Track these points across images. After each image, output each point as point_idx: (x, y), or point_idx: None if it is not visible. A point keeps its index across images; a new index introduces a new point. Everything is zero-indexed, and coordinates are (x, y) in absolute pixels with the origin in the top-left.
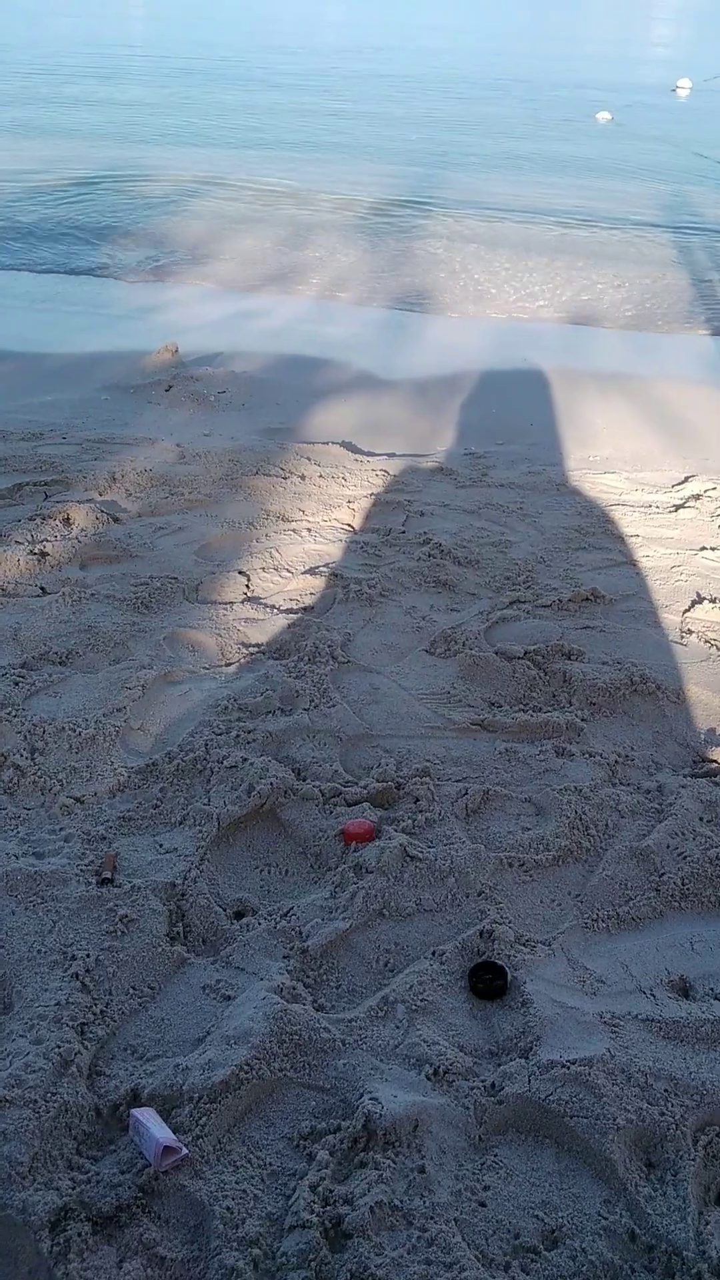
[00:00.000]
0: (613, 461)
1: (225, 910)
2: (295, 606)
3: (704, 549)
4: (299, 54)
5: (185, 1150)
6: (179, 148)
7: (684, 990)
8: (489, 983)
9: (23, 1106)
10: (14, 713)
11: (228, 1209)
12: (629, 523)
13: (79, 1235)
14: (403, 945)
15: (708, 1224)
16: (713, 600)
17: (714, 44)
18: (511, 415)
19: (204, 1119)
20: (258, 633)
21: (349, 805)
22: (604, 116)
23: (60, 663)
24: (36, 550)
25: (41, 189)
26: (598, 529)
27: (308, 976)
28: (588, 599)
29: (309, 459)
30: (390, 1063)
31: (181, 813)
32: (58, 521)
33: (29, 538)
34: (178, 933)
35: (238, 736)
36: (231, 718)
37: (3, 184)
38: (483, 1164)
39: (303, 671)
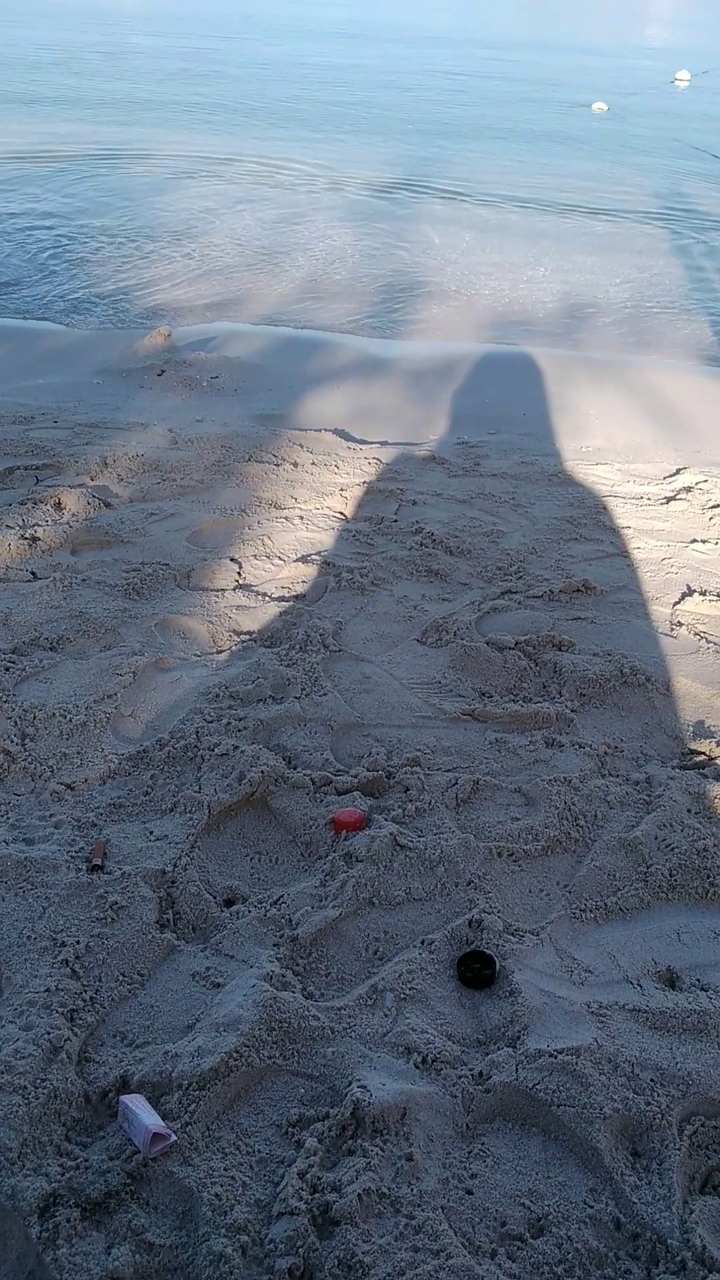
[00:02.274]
0: (605, 452)
1: (215, 898)
2: (287, 594)
3: (694, 542)
4: (295, 42)
5: (174, 1137)
6: (173, 128)
7: (670, 981)
8: (477, 972)
9: (12, 1093)
10: (4, 698)
11: (216, 1195)
12: (620, 514)
13: (68, 1221)
14: (392, 934)
15: (692, 1212)
16: (703, 593)
17: (715, 36)
18: (504, 404)
19: (193, 1106)
20: (249, 620)
21: (339, 794)
22: (599, 107)
23: (51, 648)
24: (27, 535)
25: (33, 166)
26: (589, 520)
27: (297, 964)
28: (579, 590)
29: (301, 446)
30: (379, 1051)
31: (172, 800)
32: (49, 506)
33: (20, 522)
34: (168, 920)
35: (229, 724)
36: (223, 705)
37: None
38: (470, 1152)
39: (294, 660)
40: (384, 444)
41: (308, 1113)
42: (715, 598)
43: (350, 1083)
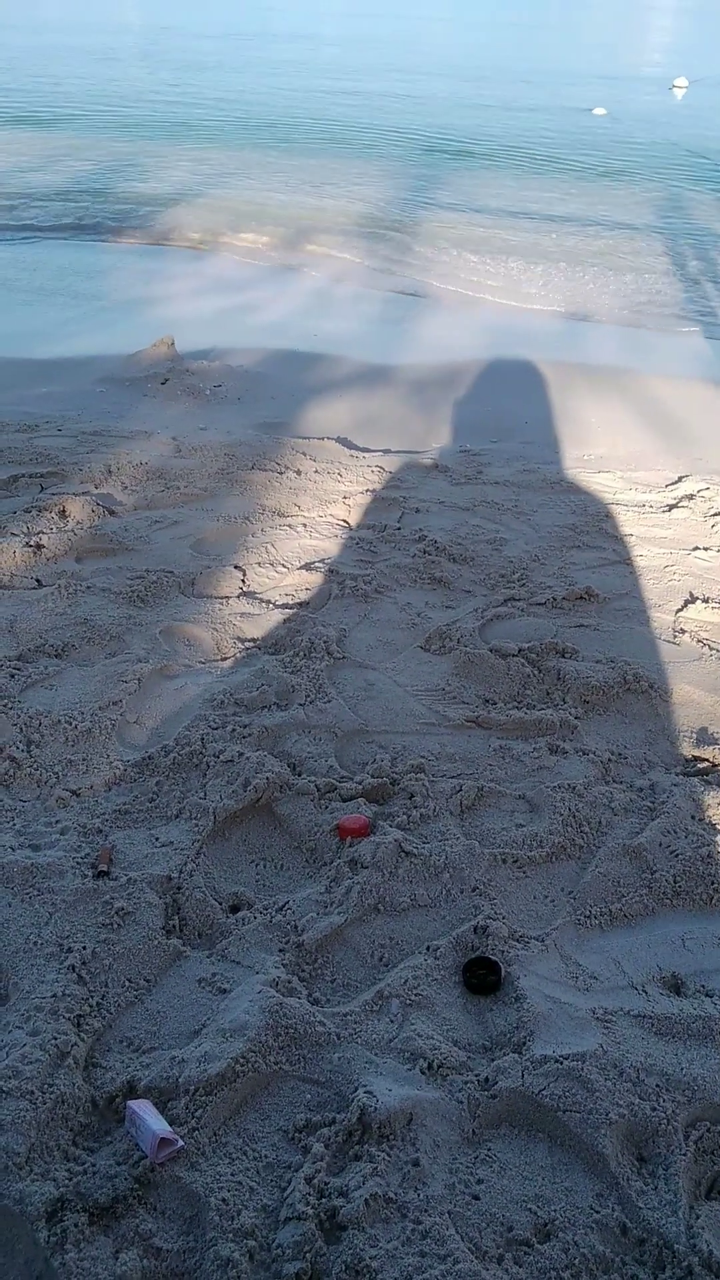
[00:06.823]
0: (607, 460)
1: (221, 904)
2: (291, 602)
3: (697, 549)
4: (297, 45)
5: (181, 1142)
6: (177, 141)
7: (675, 987)
8: (483, 978)
9: (19, 1098)
10: (10, 705)
11: (223, 1200)
12: (623, 522)
13: (75, 1226)
14: (397, 940)
15: (698, 1217)
16: (705, 600)
17: (713, 42)
18: (506, 413)
19: (200, 1111)
20: (253, 627)
21: (344, 800)
22: (599, 112)
23: (56, 655)
24: (32, 543)
25: (40, 183)
26: (592, 528)
27: (303, 970)
28: (582, 597)
29: (305, 454)
30: (385, 1056)
31: (177, 806)
32: (53, 514)
33: (24, 530)
34: (174, 926)
35: (233, 731)
36: (227, 712)
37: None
38: (476, 1157)
39: (298, 667)
40: (387, 452)
41: (314, 1118)
42: (718, 605)
43: (356, 1088)
